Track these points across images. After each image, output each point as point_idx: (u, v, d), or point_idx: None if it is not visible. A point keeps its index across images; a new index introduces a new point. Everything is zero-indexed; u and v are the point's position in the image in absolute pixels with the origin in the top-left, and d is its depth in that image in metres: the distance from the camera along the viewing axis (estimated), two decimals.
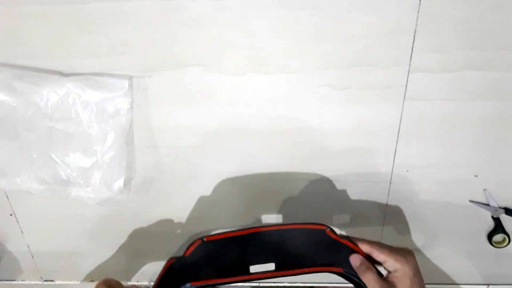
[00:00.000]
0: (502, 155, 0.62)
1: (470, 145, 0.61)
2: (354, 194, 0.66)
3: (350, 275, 0.55)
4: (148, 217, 0.70)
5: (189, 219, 0.70)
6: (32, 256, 0.76)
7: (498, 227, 0.67)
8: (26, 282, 0.79)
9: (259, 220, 0.70)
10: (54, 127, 0.60)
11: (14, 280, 0.79)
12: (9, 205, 0.70)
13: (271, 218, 0.69)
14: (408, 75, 0.56)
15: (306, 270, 0.56)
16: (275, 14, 0.53)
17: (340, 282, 0.57)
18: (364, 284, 0.52)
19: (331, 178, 0.65)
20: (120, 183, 0.63)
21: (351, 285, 0.56)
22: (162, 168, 0.65)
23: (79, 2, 0.53)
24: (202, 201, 0.68)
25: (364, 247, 0.53)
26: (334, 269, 0.56)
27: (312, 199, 0.67)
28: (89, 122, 0.59)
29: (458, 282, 0.74)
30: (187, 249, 0.54)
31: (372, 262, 0.53)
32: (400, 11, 0.52)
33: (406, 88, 0.57)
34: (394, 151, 0.62)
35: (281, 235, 0.55)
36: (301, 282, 0.76)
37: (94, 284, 0.55)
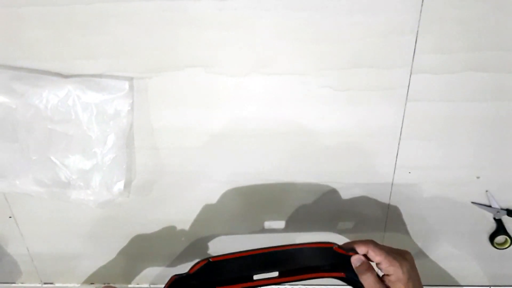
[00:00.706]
0: (504, 157, 0.62)
1: (472, 146, 0.61)
2: (356, 195, 0.66)
3: (352, 279, 0.55)
4: (148, 219, 0.70)
5: (190, 222, 0.69)
6: (32, 259, 0.76)
7: (500, 228, 0.67)
8: (26, 285, 0.79)
9: (261, 222, 0.69)
10: (53, 129, 0.59)
11: (14, 283, 0.79)
12: (9, 208, 0.69)
13: (274, 224, 0.69)
14: (410, 76, 0.55)
15: (308, 276, 0.56)
16: (276, 15, 0.53)
17: (342, 284, 0.57)
18: (363, 286, 0.52)
19: (333, 180, 0.65)
20: (120, 185, 0.63)
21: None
22: (163, 170, 0.65)
23: (79, 3, 0.53)
24: (203, 203, 0.68)
25: (360, 248, 0.53)
26: (336, 274, 0.56)
27: (314, 200, 0.66)
28: (89, 124, 0.59)
29: (460, 283, 0.74)
30: (192, 268, 0.54)
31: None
32: (402, 12, 0.52)
33: (408, 89, 0.56)
34: (396, 153, 0.62)
35: (288, 253, 0.55)
36: (302, 285, 0.75)
37: (94, 286, 0.55)
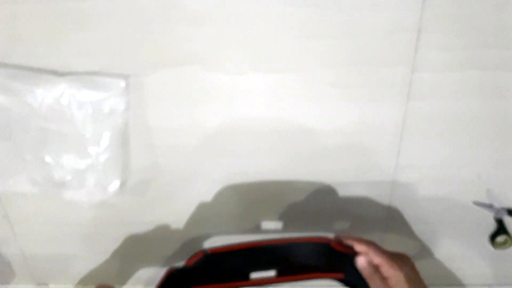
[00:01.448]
0: (505, 156, 0.61)
1: (473, 145, 0.61)
2: (356, 195, 0.66)
3: (351, 281, 0.54)
4: (144, 219, 0.69)
5: (186, 221, 0.69)
6: (26, 260, 0.75)
7: (501, 228, 0.67)
8: (20, 286, 0.78)
9: (258, 223, 0.69)
10: (48, 128, 0.59)
11: (8, 284, 0.78)
12: (2, 207, 0.69)
13: (271, 224, 0.69)
14: (411, 74, 0.55)
15: (307, 276, 0.56)
16: (275, 11, 0.52)
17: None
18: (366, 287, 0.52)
19: (332, 179, 0.64)
20: (115, 185, 0.62)
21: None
22: (159, 169, 0.64)
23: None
24: (200, 203, 0.67)
25: (361, 247, 0.53)
26: (335, 275, 0.56)
27: (313, 200, 0.66)
28: (84, 122, 0.58)
29: (461, 283, 0.74)
30: (188, 260, 0.54)
31: None
32: (404, 9, 0.51)
33: (409, 87, 0.56)
34: (397, 151, 0.61)
35: (284, 247, 0.55)
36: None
37: None
